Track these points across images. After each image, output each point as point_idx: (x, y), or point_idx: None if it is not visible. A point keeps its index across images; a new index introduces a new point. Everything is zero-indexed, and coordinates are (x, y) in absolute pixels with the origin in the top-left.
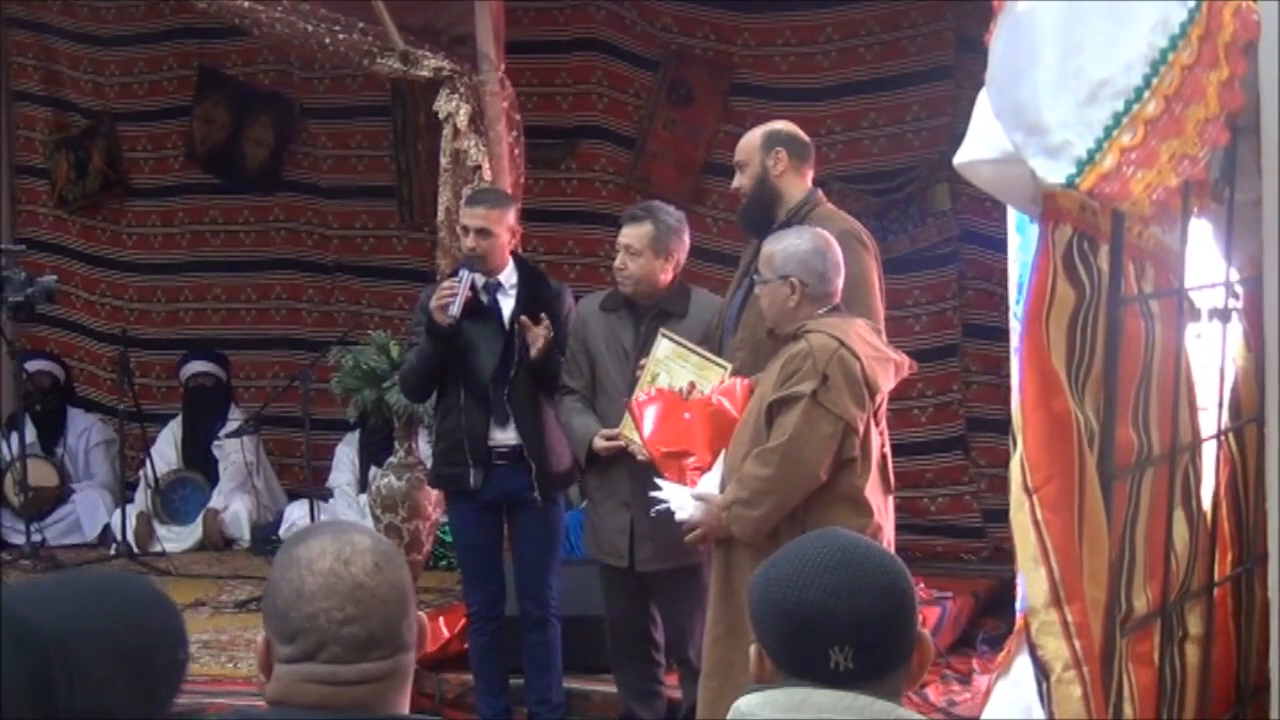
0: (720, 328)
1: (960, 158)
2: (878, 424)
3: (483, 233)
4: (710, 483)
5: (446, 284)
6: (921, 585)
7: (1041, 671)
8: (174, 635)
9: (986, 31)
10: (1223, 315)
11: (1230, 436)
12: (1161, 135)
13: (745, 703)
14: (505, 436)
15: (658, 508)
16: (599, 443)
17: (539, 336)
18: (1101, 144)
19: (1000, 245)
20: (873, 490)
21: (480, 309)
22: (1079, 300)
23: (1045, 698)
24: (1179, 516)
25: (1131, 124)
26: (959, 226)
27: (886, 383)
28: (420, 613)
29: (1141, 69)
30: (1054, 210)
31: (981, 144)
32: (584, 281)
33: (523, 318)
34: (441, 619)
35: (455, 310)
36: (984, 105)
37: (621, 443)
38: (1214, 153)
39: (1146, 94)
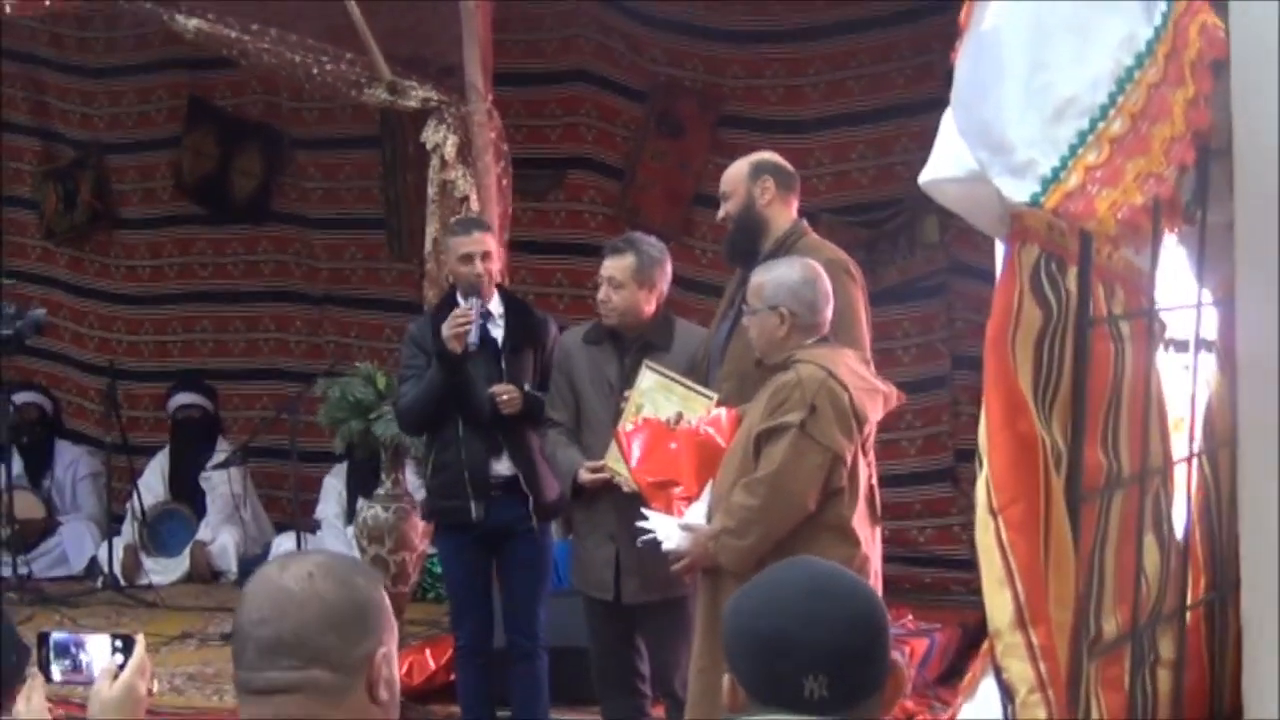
0: (706, 359)
1: (925, 176)
2: (865, 455)
3: (486, 256)
4: (697, 513)
5: (458, 312)
6: (910, 617)
7: (1007, 694)
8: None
9: (952, 50)
10: (1195, 338)
11: (1204, 460)
12: (1127, 154)
13: None
14: (501, 467)
15: (644, 538)
16: (584, 475)
17: (513, 398)
18: (1067, 162)
19: (989, 277)
20: (860, 521)
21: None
22: (1046, 321)
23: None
24: (1150, 540)
25: (1097, 142)
26: (948, 259)
27: (875, 414)
28: (386, 650)
29: (1107, 87)
30: (1021, 230)
31: (947, 163)
32: (573, 313)
33: (495, 387)
34: (428, 651)
35: (475, 338)
36: (949, 124)
37: (606, 475)
38: (1185, 174)
39: (1112, 112)
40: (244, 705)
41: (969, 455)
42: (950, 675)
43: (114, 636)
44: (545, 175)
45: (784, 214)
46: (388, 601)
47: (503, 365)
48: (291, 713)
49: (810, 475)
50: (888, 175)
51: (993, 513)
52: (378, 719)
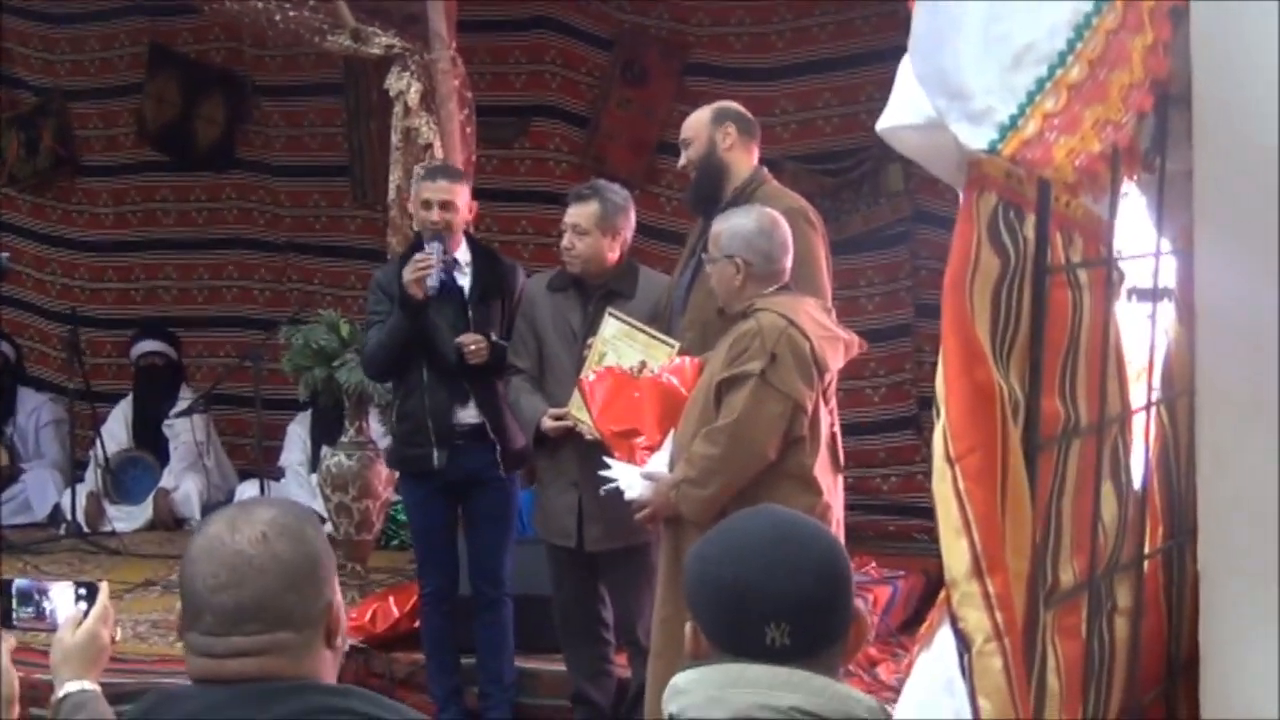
0: (669, 307)
1: (883, 123)
2: (827, 403)
3: (446, 205)
4: (659, 461)
5: (419, 257)
6: (873, 565)
7: (963, 643)
8: None
9: None
10: (1154, 287)
11: (1162, 409)
12: (1085, 100)
13: (681, 679)
14: (467, 415)
15: (606, 487)
16: (547, 423)
17: (480, 348)
18: (1024, 109)
19: (953, 225)
20: (822, 469)
21: (442, 287)
22: (1003, 269)
23: (966, 670)
24: (1107, 489)
25: (1055, 89)
26: (912, 207)
27: (836, 361)
28: (336, 595)
29: (1065, 33)
30: (979, 178)
31: (904, 110)
32: (538, 261)
33: (462, 336)
34: (392, 598)
35: (434, 282)
36: (907, 71)
37: (569, 423)
38: (1144, 121)
39: (1070, 58)
40: (198, 664)
41: (932, 403)
42: (913, 623)
43: (77, 584)
44: (509, 123)
45: (745, 161)
46: (328, 543)
47: (469, 314)
48: (253, 673)
49: (771, 424)
50: (852, 123)
51: (950, 461)
52: (333, 664)
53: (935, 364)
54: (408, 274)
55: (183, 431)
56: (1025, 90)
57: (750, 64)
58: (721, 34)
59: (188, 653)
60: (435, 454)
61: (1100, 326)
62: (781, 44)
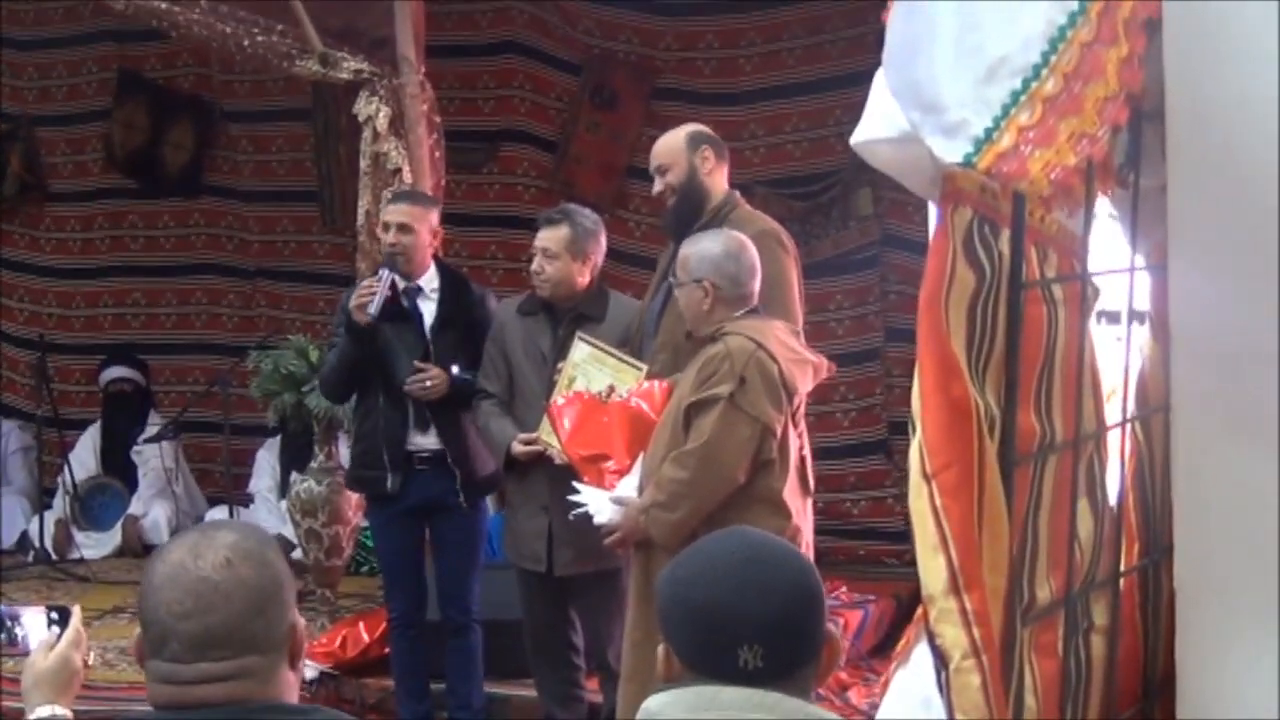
0: (640, 331)
1: (857, 137)
2: (796, 426)
3: (404, 229)
4: (628, 486)
5: (366, 283)
6: (844, 589)
7: (940, 660)
8: None
9: (884, 10)
10: (1129, 304)
11: (1137, 426)
12: (1060, 113)
13: (654, 702)
14: (426, 441)
15: (575, 511)
16: (517, 448)
17: (437, 384)
18: (999, 122)
19: (922, 249)
20: (791, 493)
21: (400, 312)
22: (979, 284)
23: (944, 687)
24: (1083, 506)
25: (1029, 102)
26: (882, 231)
27: (805, 385)
28: (298, 617)
29: (1040, 46)
30: (953, 192)
31: (879, 124)
32: (506, 286)
33: (416, 363)
34: (362, 624)
35: (374, 309)
36: (881, 85)
37: (540, 447)
38: (1118, 135)
39: (1045, 71)
40: (163, 691)
41: (902, 428)
42: (884, 647)
43: (49, 608)
44: (479, 148)
45: (721, 184)
46: (288, 565)
47: (429, 341)
48: (220, 698)
49: (740, 447)
50: (822, 148)
51: (926, 478)
52: (295, 686)
53: (906, 388)
54: (352, 299)
55: (151, 458)
56: (1000, 103)
57: (719, 88)
58: (690, 59)
59: (150, 680)
60: (389, 478)
61: (1075, 342)
62: (750, 68)
